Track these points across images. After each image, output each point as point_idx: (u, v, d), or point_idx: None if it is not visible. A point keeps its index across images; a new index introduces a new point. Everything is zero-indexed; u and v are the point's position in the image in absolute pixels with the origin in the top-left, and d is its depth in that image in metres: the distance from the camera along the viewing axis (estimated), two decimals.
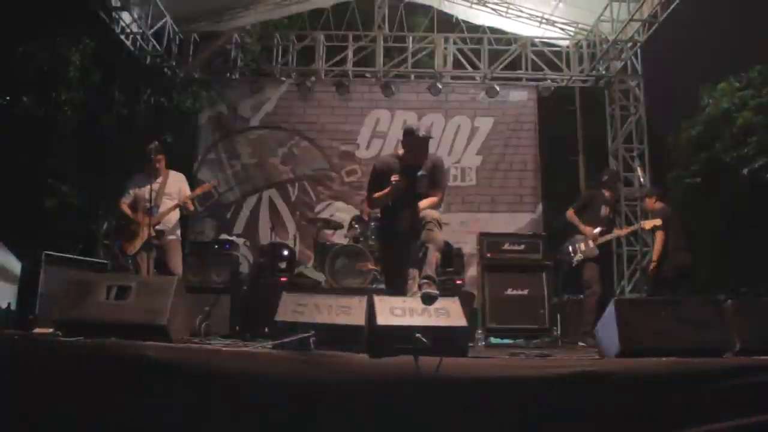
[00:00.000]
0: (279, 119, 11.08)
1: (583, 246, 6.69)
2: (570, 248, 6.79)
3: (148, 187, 5.92)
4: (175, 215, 6.31)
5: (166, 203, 6.17)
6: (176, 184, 6.34)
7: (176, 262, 6.23)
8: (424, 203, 4.51)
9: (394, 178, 4.58)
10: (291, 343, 3.35)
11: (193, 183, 10.35)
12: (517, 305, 6.91)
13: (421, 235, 4.35)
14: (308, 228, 9.73)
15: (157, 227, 6.04)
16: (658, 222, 6.57)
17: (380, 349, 3.33)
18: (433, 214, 4.40)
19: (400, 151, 4.84)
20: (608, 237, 6.79)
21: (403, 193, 4.57)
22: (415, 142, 4.62)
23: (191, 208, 6.47)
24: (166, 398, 3.14)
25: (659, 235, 6.68)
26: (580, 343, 6.63)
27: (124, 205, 6.19)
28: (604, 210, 6.85)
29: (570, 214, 6.94)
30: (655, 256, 6.74)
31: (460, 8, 11.20)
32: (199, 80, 10.87)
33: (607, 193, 7.00)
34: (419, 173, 4.57)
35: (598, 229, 6.69)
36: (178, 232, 6.43)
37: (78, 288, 3.87)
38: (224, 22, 10.87)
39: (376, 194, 4.74)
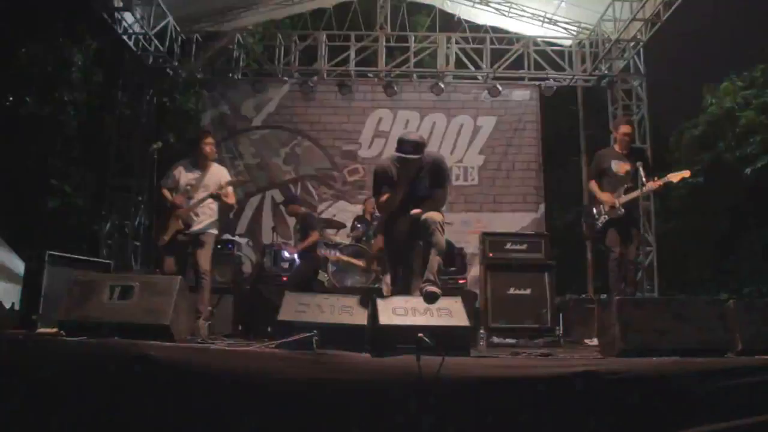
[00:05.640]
0: (281, 119, 11.08)
1: (606, 207, 6.13)
2: (594, 210, 6.25)
3: (190, 175, 5.77)
4: (211, 209, 5.87)
5: (200, 195, 5.74)
6: (216, 176, 5.87)
7: (204, 258, 5.71)
8: (420, 210, 4.45)
9: (383, 197, 4.57)
10: (294, 342, 3.35)
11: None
12: (520, 305, 6.90)
13: (424, 237, 4.35)
14: None
15: (187, 221, 5.68)
16: (686, 173, 5.90)
17: (383, 348, 3.34)
18: (436, 216, 4.38)
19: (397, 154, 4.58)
20: (631, 195, 6.02)
21: (401, 199, 4.54)
22: (402, 164, 4.48)
23: (228, 199, 5.89)
24: (169, 398, 3.15)
25: None
26: (586, 341, 6.63)
27: (164, 190, 5.81)
28: (617, 165, 6.19)
29: (592, 185, 6.41)
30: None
31: (462, 8, 11.19)
32: (201, 81, 10.89)
33: (616, 147, 6.33)
34: (419, 175, 4.55)
35: (616, 196, 6.06)
36: (215, 229, 5.92)
37: (81, 288, 3.88)
38: (226, 22, 10.88)
39: (379, 202, 4.70)
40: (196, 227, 5.75)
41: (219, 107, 11.03)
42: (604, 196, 6.17)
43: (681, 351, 3.43)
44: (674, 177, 5.87)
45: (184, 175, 5.83)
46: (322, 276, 7.78)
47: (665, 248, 9.91)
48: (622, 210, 6.04)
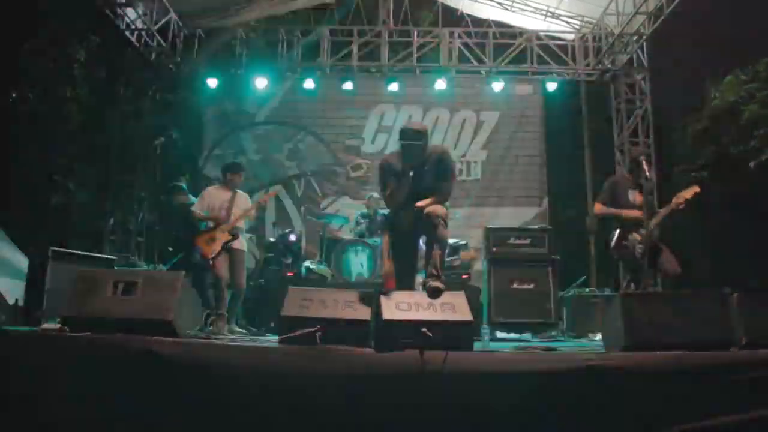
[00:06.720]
0: (284, 115, 11.09)
1: (637, 236, 5.56)
2: (624, 242, 5.65)
3: (222, 197, 6.39)
4: (243, 225, 6.52)
5: (237, 213, 6.37)
6: (242, 200, 6.56)
7: (240, 274, 6.31)
8: (426, 201, 4.43)
9: (389, 188, 4.55)
10: (297, 337, 3.35)
11: (199, 179, 10.41)
12: (523, 299, 6.89)
13: (427, 231, 4.34)
14: (314, 223, 9.75)
15: (231, 232, 6.26)
16: (697, 189, 5.48)
17: (386, 343, 3.33)
18: (440, 210, 4.36)
19: (400, 142, 4.57)
20: (662, 213, 5.55)
21: (407, 192, 4.53)
22: (406, 152, 4.47)
23: (253, 214, 6.89)
24: (173, 393, 3.15)
25: None
26: (589, 335, 6.63)
27: (198, 213, 6.36)
28: (633, 195, 5.79)
29: (600, 207, 5.91)
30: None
31: (465, 2, 11.17)
32: (204, 76, 10.88)
33: (629, 176, 6.01)
34: (424, 168, 4.53)
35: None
36: (246, 243, 6.58)
37: (85, 284, 3.88)
38: (229, 17, 10.87)
39: (385, 196, 4.70)
40: (237, 240, 6.33)
41: (222, 103, 11.03)
42: (634, 213, 5.61)
43: (684, 345, 3.42)
44: (688, 194, 5.49)
45: (216, 197, 6.42)
46: (325, 271, 7.77)
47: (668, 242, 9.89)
48: (656, 232, 5.54)
